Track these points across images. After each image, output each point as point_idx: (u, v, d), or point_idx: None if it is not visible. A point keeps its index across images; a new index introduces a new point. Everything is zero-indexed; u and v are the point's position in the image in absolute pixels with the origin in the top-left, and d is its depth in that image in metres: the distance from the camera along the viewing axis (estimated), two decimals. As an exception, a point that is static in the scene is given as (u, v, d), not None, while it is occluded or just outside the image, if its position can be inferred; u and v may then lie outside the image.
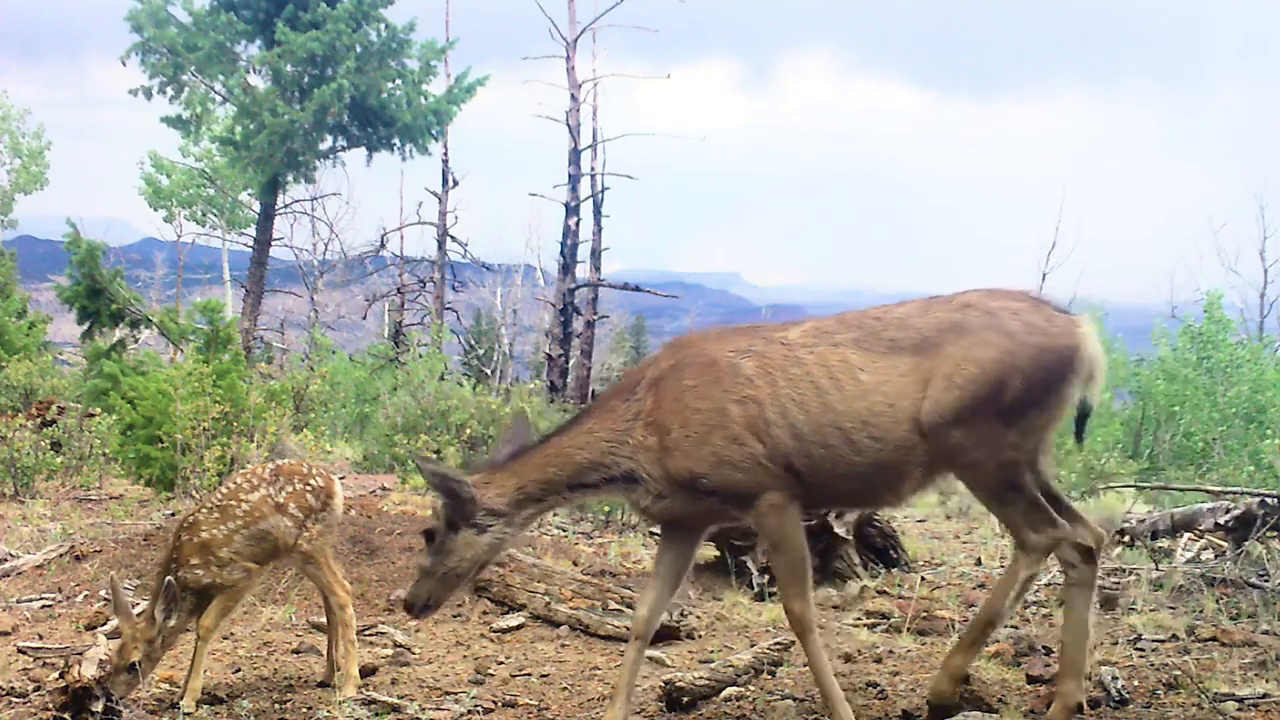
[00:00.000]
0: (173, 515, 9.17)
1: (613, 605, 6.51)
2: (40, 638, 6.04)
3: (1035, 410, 4.04)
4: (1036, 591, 7.28)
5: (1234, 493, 8.62)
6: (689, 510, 4.30)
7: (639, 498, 4.29)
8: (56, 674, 4.96)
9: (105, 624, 6.17)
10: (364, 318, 30.30)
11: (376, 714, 4.82)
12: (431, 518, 4.46)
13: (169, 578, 4.87)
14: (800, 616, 4.20)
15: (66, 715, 4.51)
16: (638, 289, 26.58)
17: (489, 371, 26.70)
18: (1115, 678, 4.96)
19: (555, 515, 11.07)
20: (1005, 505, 4.18)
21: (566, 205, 24.89)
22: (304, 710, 4.88)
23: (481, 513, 4.33)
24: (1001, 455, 4.04)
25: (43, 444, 11.55)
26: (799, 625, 4.22)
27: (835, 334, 4.18)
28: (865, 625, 6.57)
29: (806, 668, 5.47)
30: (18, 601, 6.81)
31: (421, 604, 4.46)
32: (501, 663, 5.67)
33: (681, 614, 6.32)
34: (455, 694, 5.09)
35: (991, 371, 3.99)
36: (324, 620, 5.75)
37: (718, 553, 8.15)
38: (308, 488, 5.19)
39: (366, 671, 5.34)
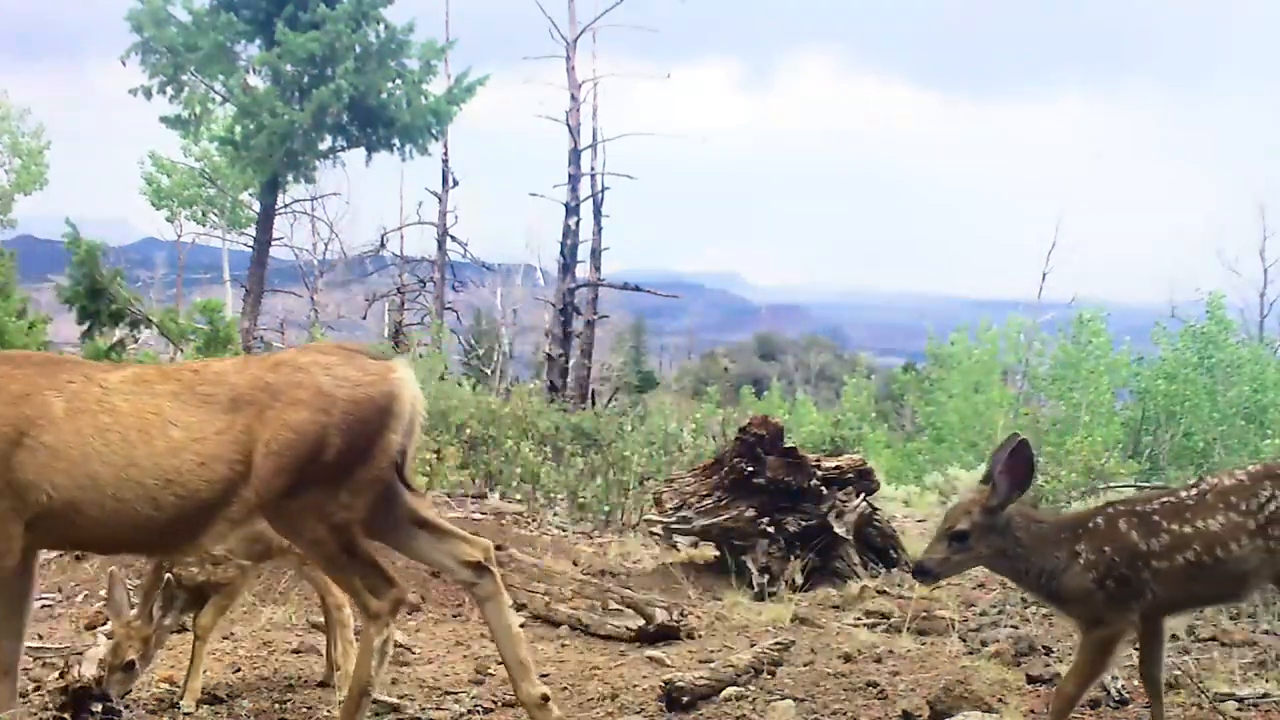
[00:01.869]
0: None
1: (613, 605, 6.51)
2: (40, 638, 6.04)
3: (361, 466, 3.91)
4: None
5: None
6: None
7: None
8: (56, 674, 4.96)
9: (105, 624, 6.17)
10: (364, 318, 30.26)
11: (376, 714, 4.81)
12: None
13: (167, 575, 4.86)
14: None
15: (66, 715, 4.51)
16: (638, 289, 26.57)
17: (489, 371, 26.66)
18: (1115, 678, 4.96)
19: (555, 515, 11.08)
20: (343, 571, 4.05)
21: (566, 205, 24.89)
22: (304, 710, 4.87)
23: None
24: (334, 519, 3.90)
25: (43, 444, 11.53)
26: None
27: (155, 384, 3.94)
28: (865, 625, 6.57)
29: (807, 667, 5.48)
30: (18, 601, 6.79)
31: None
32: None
33: (681, 614, 6.32)
34: (455, 694, 5.09)
35: (308, 435, 3.84)
36: (323, 620, 5.76)
37: (717, 553, 8.15)
38: None
39: (366, 671, 5.33)
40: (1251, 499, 3.93)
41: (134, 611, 4.85)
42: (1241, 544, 3.90)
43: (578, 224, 24.94)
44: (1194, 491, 4.04)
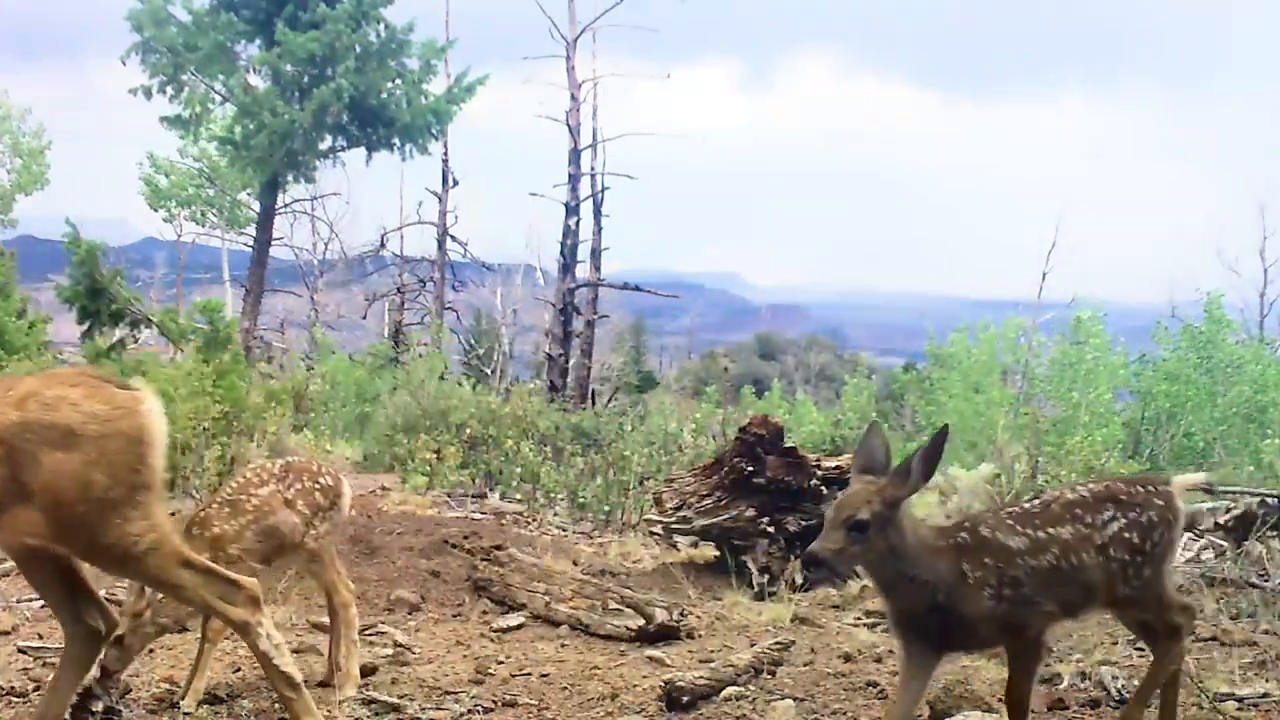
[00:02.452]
0: (173, 515, 9.15)
1: (613, 605, 6.51)
2: (40, 637, 6.03)
3: (138, 491, 3.85)
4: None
5: (1234, 492, 8.63)
6: None
7: None
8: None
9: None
10: (364, 317, 30.30)
11: (376, 714, 4.82)
12: None
13: None
14: None
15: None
16: (638, 289, 26.58)
17: (489, 371, 26.67)
18: (1115, 677, 4.97)
19: (555, 515, 11.08)
20: (188, 589, 4.00)
21: (566, 205, 24.89)
22: (304, 710, 4.87)
23: None
24: (140, 546, 3.84)
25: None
26: None
27: None
28: (865, 625, 6.57)
29: (807, 667, 5.48)
30: (18, 601, 6.80)
31: None
32: (501, 663, 5.67)
33: (681, 614, 6.32)
34: (455, 694, 5.09)
35: (66, 476, 3.74)
36: (324, 620, 5.75)
37: (717, 553, 8.16)
38: (317, 486, 5.20)
39: (366, 671, 5.34)
40: (1095, 516, 3.89)
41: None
42: (1090, 556, 3.86)
43: (578, 224, 24.95)
44: (1038, 503, 3.98)
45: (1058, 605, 3.89)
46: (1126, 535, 3.88)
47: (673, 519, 8.23)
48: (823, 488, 8.15)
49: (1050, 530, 3.85)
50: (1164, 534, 3.93)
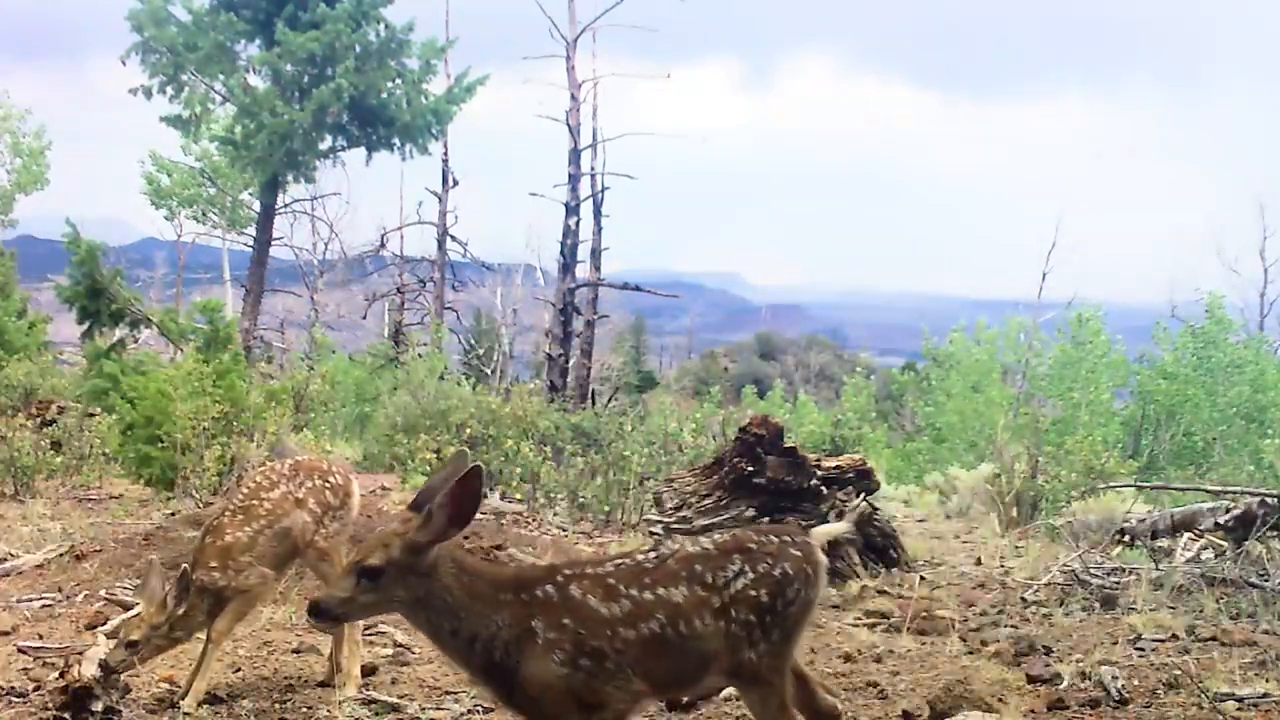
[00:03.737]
0: (173, 515, 9.16)
1: (613, 605, 6.50)
2: (40, 638, 6.04)
3: None
4: (1036, 591, 7.29)
5: (1234, 492, 8.63)
6: None
7: None
8: (56, 674, 4.95)
9: (105, 624, 6.17)
10: (364, 317, 30.33)
11: (376, 713, 4.82)
12: None
13: (184, 565, 4.88)
14: None
15: (66, 715, 4.50)
16: (638, 289, 26.57)
17: (489, 371, 26.69)
18: (1115, 677, 4.97)
19: (555, 515, 11.09)
20: None
21: (566, 205, 24.87)
22: (304, 710, 4.88)
23: None
24: None
25: (43, 444, 11.55)
26: None
27: None
28: (865, 625, 6.57)
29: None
30: (18, 601, 6.81)
31: None
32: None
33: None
34: (455, 694, 5.09)
35: None
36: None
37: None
38: (327, 485, 5.20)
39: (367, 671, 5.34)
40: (718, 572, 3.40)
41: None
42: (705, 622, 3.37)
43: (578, 224, 24.93)
44: (653, 556, 3.49)
45: (657, 680, 3.42)
46: (753, 592, 3.40)
47: (673, 519, 8.23)
48: (823, 488, 8.15)
49: (660, 592, 3.37)
50: (800, 591, 3.46)
